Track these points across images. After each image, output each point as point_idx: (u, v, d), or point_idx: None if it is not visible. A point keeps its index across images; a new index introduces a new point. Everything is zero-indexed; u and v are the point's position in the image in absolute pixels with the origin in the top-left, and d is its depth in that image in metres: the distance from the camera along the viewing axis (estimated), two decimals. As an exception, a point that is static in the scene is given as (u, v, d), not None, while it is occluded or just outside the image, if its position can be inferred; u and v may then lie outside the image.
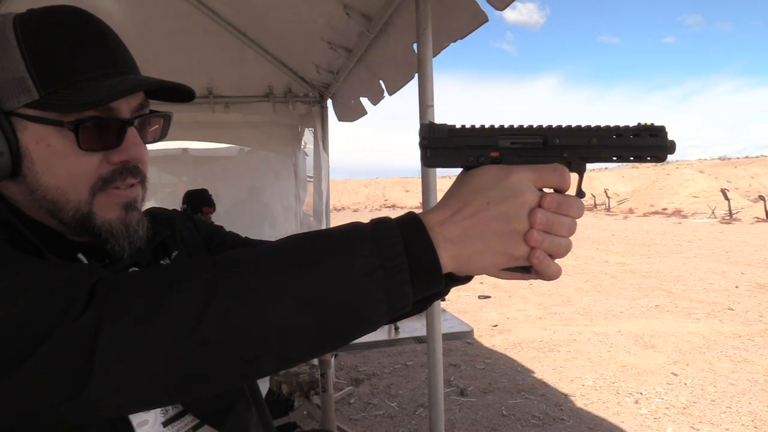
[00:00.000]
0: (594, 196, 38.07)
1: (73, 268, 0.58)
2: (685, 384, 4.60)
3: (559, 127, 0.58)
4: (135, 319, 0.48)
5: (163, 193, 5.61)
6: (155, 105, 0.77)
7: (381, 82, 3.17)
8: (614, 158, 0.59)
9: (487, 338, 6.02)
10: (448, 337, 5.51)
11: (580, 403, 4.26)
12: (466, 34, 2.17)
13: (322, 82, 4.24)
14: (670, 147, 0.58)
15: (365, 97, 3.66)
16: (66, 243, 0.71)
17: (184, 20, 3.46)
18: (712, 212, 25.33)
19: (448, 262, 0.54)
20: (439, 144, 0.57)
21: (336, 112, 4.39)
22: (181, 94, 0.74)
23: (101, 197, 0.68)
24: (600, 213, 32.19)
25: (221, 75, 4.27)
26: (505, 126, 0.58)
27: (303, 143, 5.38)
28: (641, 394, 4.42)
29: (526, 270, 0.58)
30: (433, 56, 2.15)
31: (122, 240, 0.70)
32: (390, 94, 3.15)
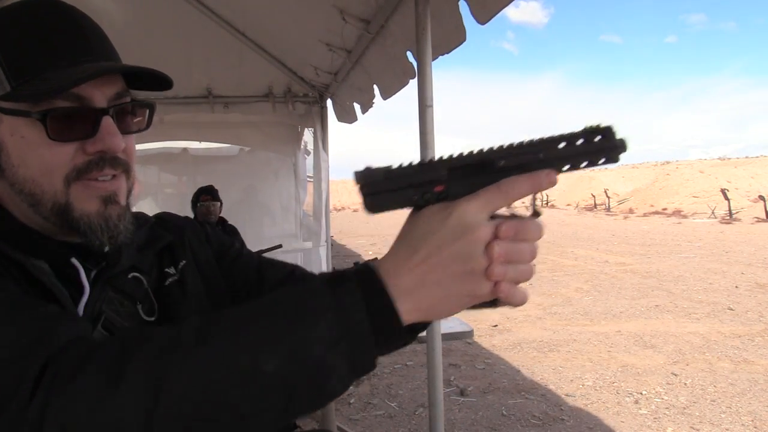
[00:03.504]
0: (594, 196, 38.06)
1: (40, 324, 0.54)
2: (685, 384, 4.60)
3: (503, 148, 0.55)
4: (84, 409, 0.46)
5: (163, 193, 5.61)
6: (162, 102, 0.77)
7: (375, 86, 3.17)
8: (565, 169, 0.55)
9: (487, 338, 6.02)
10: (447, 337, 5.51)
11: (580, 403, 4.26)
12: (452, 49, 2.20)
13: (322, 83, 4.24)
14: (621, 146, 0.55)
15: (357, 102, 3.67)
16: (59, 246, 0.69)
17: (184, 20, 3.46)
18: (712, 212, 25.33)
19: (409, 316, 0.52)
20: (379, 188, 0.53)
21: (336, 113, 4.39)
22: (160, 82, 0.72)
23: (77, 188, 0.66)
24: (600, 213, 32.19)
25: (221, 75, 4.27)
26: (445, 157, 0.55)
27: (303, 143, 5.38)
28: (641, 394, 4.42)
29: (492, 303, 0.56)
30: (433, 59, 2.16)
31: (101, 234, 0.67)
32: (384, 98, 3.16)
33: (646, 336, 6.01)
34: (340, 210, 42.11)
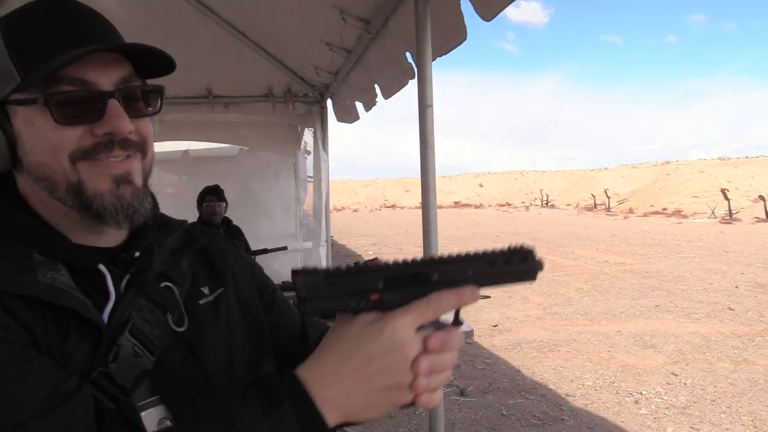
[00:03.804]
0: (594, 196, 38.07)
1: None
2: (685, 384, 4.60)
3: (435, 261, 0.59)
4: None
5: (163, 194, 5.61)
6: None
7: (376, 85, 3.17)
8: (489, 285, 0.60)
9: (487, 338, 6.02)
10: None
11: (580, 403, 4.26)
12: (450, 50, 2.20)
13: (322, 83, 4.24)
14: (540, 267, 0.61)
15: (360, 101, 3.66)
16: (86, 253, 0.69)
17: (184, 20, 3.46)
18: (712, 212, 25.33)
19: (333, 421, 0.57)
20: (317, 294, 0.56)
21: (335, 113, 4.39)
22: (162, 66, 0.72)
23: (85, 167, 0.66)
24: (600, 213, 32.20)
25: (221, 75, 4.27)
26: (383, 265, 0.58)
27: (303, 143, 5.38)
28: (641, 394, 4.42)
29: (408, 405, 0.60)
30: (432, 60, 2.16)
31: (116, 214, 0.67)
32: (385, 98, 3.16)
33: (646, 336, 6.01)
34: (340, 210, 42.10)
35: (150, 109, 0.72)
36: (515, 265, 0.60)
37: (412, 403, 0.60)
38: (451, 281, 0.58)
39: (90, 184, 0.67)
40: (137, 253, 0.72)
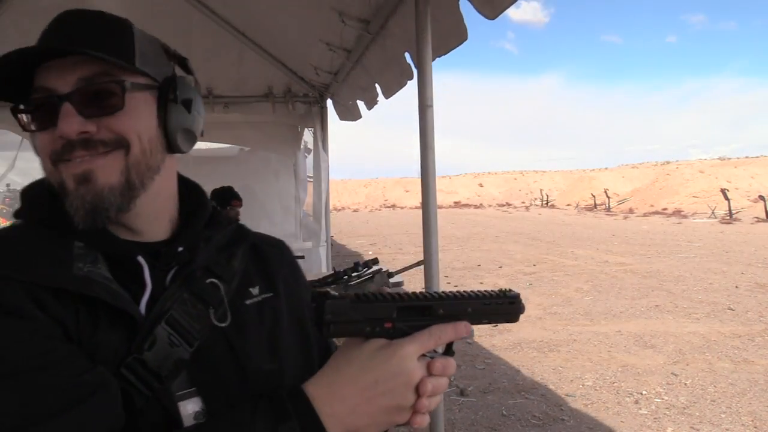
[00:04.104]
0: (594, 196, 38.08)
1: (30, 408, 0.57)
2: (685, 384, 4.60)
3: (442, 297, 0.67)
4: None
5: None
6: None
7: (377, 85, 3.17)
8: (482, 323, 0.70)
9: (487, 338, 6.03)
10: (448, 337, 5.50)
11: (580, 403, 4.26)
12: (450, 50, 2.19)
13: (322, 83, 4.24)
14: (522, 310, 0.73)
15: (361, 100, 3.66)
16: (124, 245, 0.72)
17: (184, 20, 3.46)
18: (712, 212, 25.34)
19: None
20: (341, 319, 0.62)
21: (337, 112, 4.39)
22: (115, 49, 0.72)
23: (62, 167, 0.69)
24: (600, 213, 32.20)
25: (221, 75, 4.27)
26: (397, 297, 0.65)
27: (303, 142, 5.38)
28: (641, 394, 4.42)
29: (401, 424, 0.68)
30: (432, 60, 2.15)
31: (75, 214, 0.67)
32: (386, 97, 3.16)
33: (646, 336, 6.01)
34: (340, 210, 42.11)
35: (111, 104, 0.69)
36: (505, 306, 0.71)
37: (406, 423, 0.66)
38: (453, 316, 0.67)
39: (67, 184, 0.69)
40: (180, 248, 0.74)
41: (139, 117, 0.71)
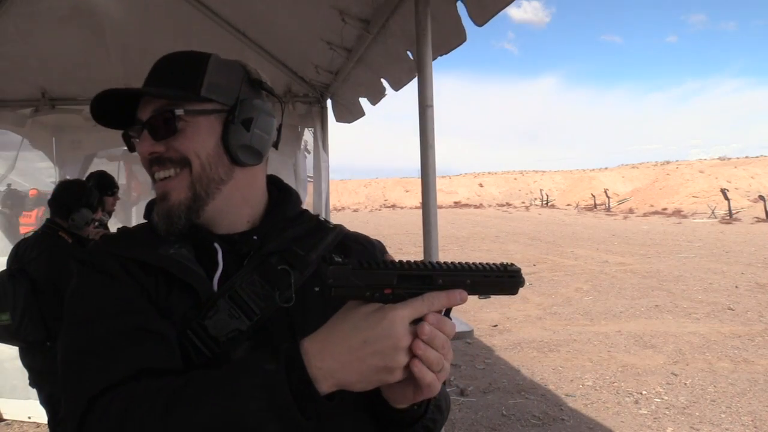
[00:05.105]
0: (594, 196, 38.08)
1: (113, 343, 0.75)
2: (685, 384, 4.60)
3: (442, 267, 0.68)
4: None
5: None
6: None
7: (383, 80, 3.16)
8: (480, 293, 0.71)
9: (487, 338, 6.03)
10: (448, 337, 5.51)
11: (580, 403, 4.26)
12: (451, 50, 2.19)
13: (322, 82, 4.24)
14: (522, 283, 0.73)
15: (365, 97, 3.65)
16: (204, 233, 0.88)
17: (184, 20, 3.46)
18: (712, 212, 25.33)
19: (328, 389, 0.66)
20: (343, 283, 0.65)
21: (334, 113, 4.39)
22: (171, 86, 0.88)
23: (154, 184, 0.89)
24: (600, 213, 32.20)
25: (221, 75, 4.25)
26: (398, 264, 0.67)
27: (303, 142, 5.38)
28: (641, 394, 4.42)
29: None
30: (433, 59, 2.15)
31: (159, 220, 0.85)
32: (395, 90, 3.14)
33: (646, 336, 6.01)
34: (340, 210, 42.08)
35: (169, 129, 0.85)
36: (505, 279, 0.71)
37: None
38: (452, 286, 0.68)
39: (156, 198, 0.88)
40: (255, 237, 0.88)
41: (197, 138, 0.85)
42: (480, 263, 0.71)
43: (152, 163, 0.86)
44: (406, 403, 0.74)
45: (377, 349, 0.65)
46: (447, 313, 0.70)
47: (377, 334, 0.65)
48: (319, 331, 0.69)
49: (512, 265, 0.72)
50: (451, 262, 0.70)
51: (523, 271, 0.74)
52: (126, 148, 0.93)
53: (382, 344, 0.65)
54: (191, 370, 0.73)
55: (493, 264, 0.71)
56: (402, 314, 0.65)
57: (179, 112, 0.84)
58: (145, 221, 0.92)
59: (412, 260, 0.69)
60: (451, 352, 0.69)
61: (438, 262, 0.69)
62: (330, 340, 0.67)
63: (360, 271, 0.65)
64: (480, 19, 1.89)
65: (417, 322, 0.66)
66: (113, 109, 0.88)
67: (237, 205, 0.90)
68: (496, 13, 1.83)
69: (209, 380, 0.69)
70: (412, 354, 0.66)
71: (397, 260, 0.69)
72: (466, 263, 0.70)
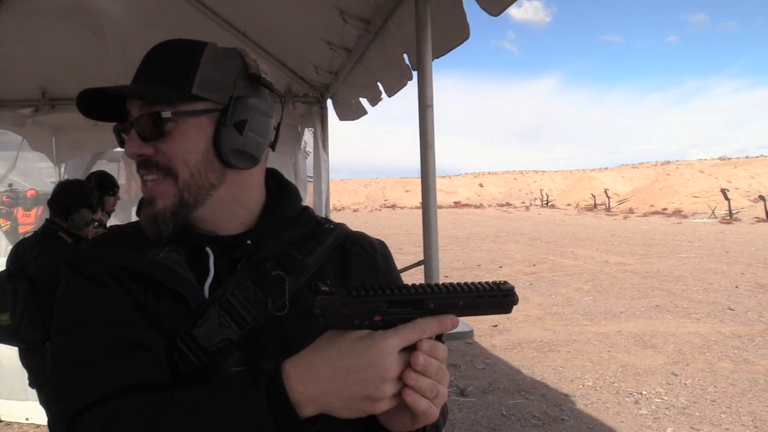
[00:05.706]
0: (594, 196, 38.08)
1: (103, 353, 0.73)
2: (685, 384, 4.60)
3: (434, 290, 0.66)
4: None
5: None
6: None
7: (379, 84, 3.17)
8: (473, 314, 0.69)
9: (487, 338, 6.02)
10: (448, 337, 5.45)
11: (580, 403, 4.26)
12: (450, 50, 2.18)
13: (322, 82, 4.24)
14: (516, 302, 0.72)
15: (364, 98, 3.66)
16: (195, 237, 0.84)
17: (184, 20, 3.46)
18: (712, 212, 25.33)
19: (309, 413, 0.64)
20: (332, 313, 0.62)
21: (336, 112, 4.39)
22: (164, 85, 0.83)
23: (142, 186, 0.84)
24: (600, 213, 32.20)
25: (221, 75, 4.25)
26: (388, 291, 0.64)
27: (303, 143, 5.38)
28: (641, 394, 4.42)
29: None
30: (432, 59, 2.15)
31: (146, 224, 0.81)
32: (389, 95, 3.15)
33: (646, 336, 6.01)
34: (340, 210, 42.07)
35: (162, 131, 0.79)
36: (498, 298, 0.70)
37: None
38: (444, 310, 0.66)
39: (144, 201, 0.83)
40: (248, 241, 0.84)
41: (186, 142, 0.80)
42: (472, 283, 0.69)
43: (139, 166, 0.82)
44: (404, 430, 0.70)
45: (362, 378, 0.62)
46: (439, 336, 0.68)
47: (364, 362, 0.62)
48: (303, 353, 0.66)
49: (505, 283, 0.71)
50: (443, 284, 0.68)
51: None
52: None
53: (367, 374, 0.62)
54: (174, 388, 0.70)
55: (486, 283, 0.69)
56: (391, 343, 0.63)
57: (166, 114, 0.78)
58: (138, 219, 0.88)
59: (402, 284, 0.67)
60: (446, 376, 0.67)
61: (429, 285, 0.67)
62: (313, 365, 0.64)
63: (348, 300, 0.63)
64: (495, 9, 1.85)
65: (407, 348, 0.64)
66: (104, 103, 0.83)
67: (229, 207, 0.85)
68: (513, 2, 1.80)
69: (191, 402, 0.66)
70: (404, 383, 0.63)
71: (386, 287, 0.65)
72: (458, 284, 0.68)
